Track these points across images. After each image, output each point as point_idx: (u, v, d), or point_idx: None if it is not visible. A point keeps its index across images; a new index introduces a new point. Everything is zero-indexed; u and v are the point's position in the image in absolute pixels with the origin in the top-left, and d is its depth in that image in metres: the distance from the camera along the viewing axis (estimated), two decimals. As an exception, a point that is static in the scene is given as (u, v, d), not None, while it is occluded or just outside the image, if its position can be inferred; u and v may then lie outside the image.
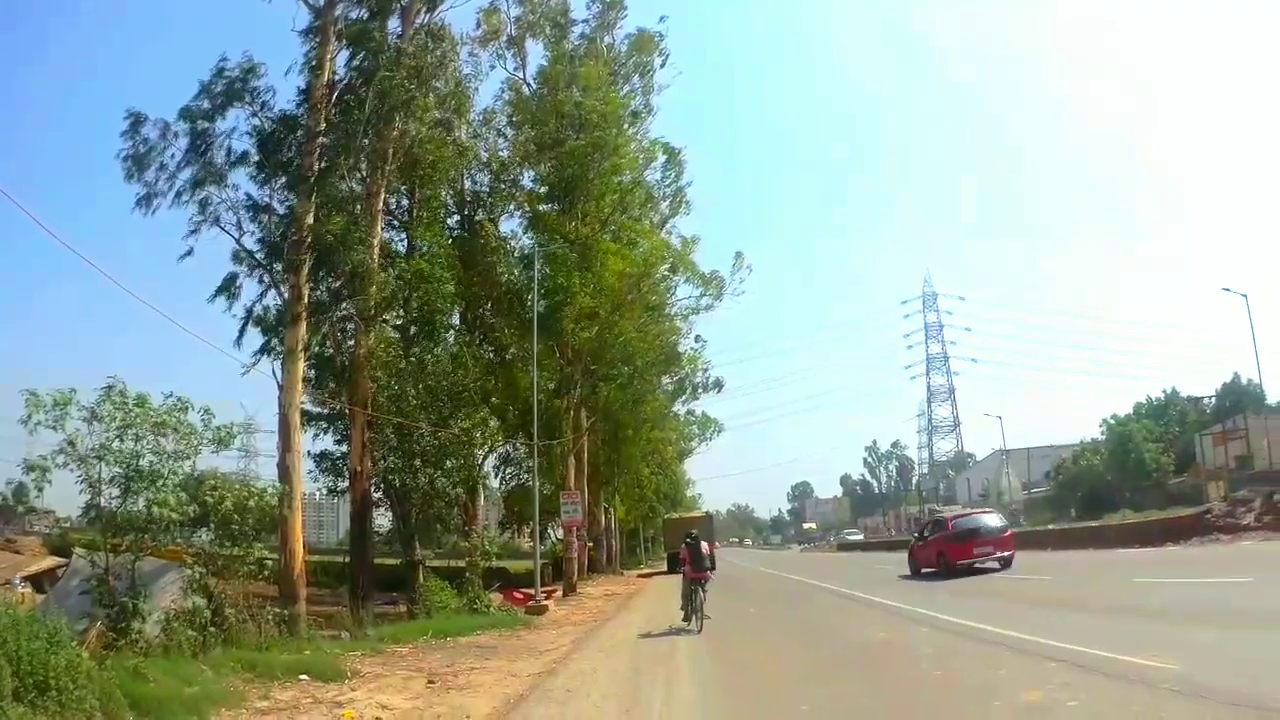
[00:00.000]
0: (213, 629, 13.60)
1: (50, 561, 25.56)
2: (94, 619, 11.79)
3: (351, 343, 26.13)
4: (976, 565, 27.33)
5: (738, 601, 27.08)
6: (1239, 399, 65.19)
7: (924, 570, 29.97)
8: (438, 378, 26.77)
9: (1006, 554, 27.59)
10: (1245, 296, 53.93)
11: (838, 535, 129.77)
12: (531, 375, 33.07)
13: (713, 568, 20.91)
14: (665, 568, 61.03)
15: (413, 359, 26.90)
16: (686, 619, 20.60)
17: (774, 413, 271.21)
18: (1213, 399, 70.94)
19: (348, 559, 28.35)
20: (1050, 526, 50.69)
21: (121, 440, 12.62)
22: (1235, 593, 16.49)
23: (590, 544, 52.47)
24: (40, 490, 12.57)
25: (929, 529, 32.86)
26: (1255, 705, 7.76)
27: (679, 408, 62.97)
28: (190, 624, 12.94)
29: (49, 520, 65.17)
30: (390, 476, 26.09)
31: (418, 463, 25.78)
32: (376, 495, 27.10)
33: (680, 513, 79.23)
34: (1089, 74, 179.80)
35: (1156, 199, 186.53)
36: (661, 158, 44.61)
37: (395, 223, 32.14)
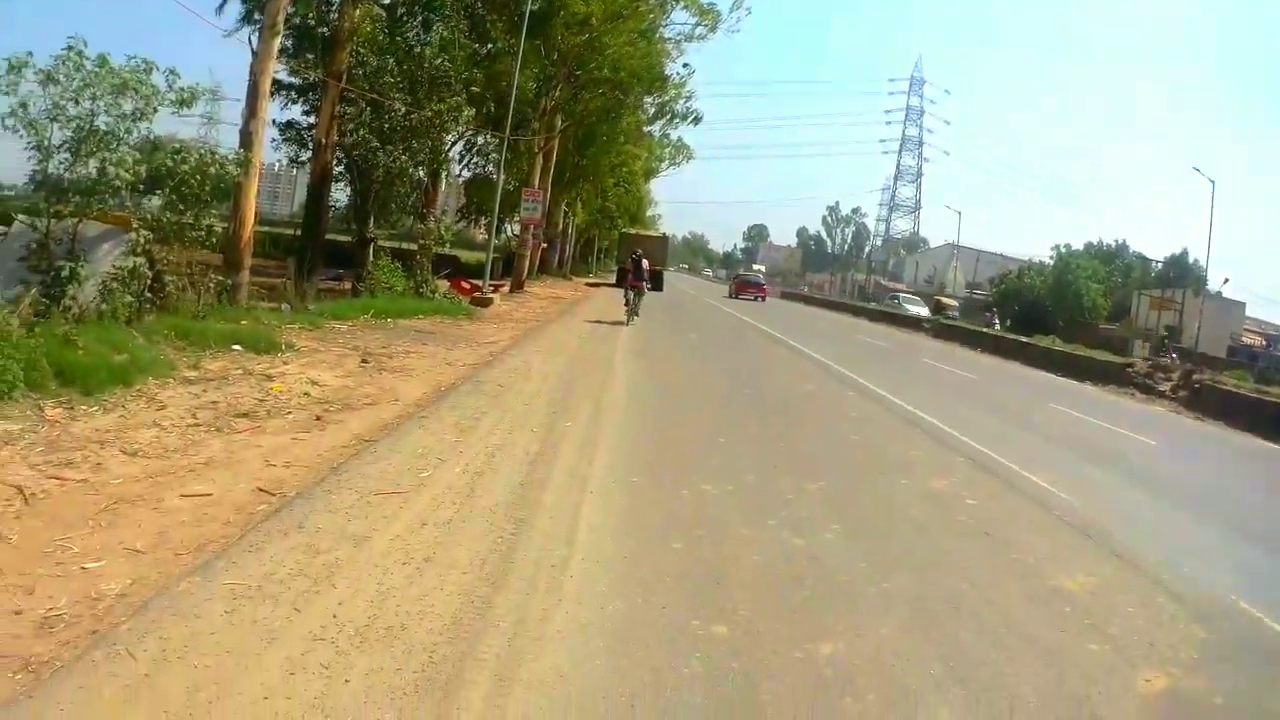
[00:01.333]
0: (150, 295, 13.64)
1: None
2: (30, 285, 11.70)
3: (336, 16, 25.13)
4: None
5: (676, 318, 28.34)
6: (1182, 273, 69.21)
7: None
8: (421, 60, 25.96)
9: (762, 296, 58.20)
10: (1213, 182, 54.51)
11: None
12: (514, 71, 32.28)
13: (657, 288, 25.74)
14: (614, 280, 61.77)
15: (399, 39, 25.95)
16: (626, 319, 27.66)
17: (746, 151, 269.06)
18: (1159, 264, 74.85)
19: (299, 232, 28.18)
20: (985, 329, 51.48)
21: (78, 103, 12.21)
22: (1141, 450, 17.01)
23: (545, 245, 52.73)
24: (-17, 157, 12.18)
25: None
26: (1132, 561, 8.13)
27: (655, 129, 62.17)
28: (127, 288, 12.91)
29: None
30: (356, 151, 25.70)
31: (386, 140, 25.31)
32: (338, 170, 26.72)
33: (638, 229, 79.31)
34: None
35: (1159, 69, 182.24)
36: None
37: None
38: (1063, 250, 71.97)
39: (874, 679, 4.94)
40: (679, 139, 68.21)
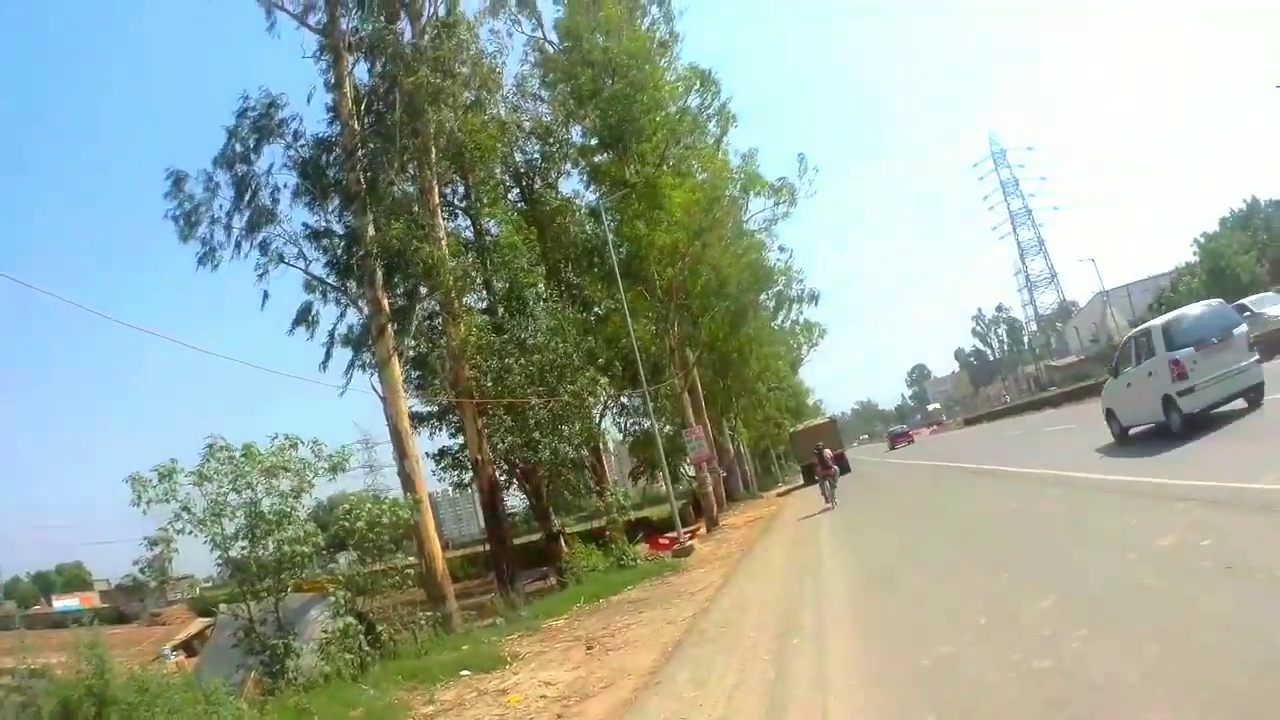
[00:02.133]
0: (368, 648, 13.76)
1: (197, 625, 26.26)
2: (248, 668, 11.95)
3: (444, 339, 26.12)
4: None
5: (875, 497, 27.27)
6: None
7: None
8: (538, 349, 26.57)
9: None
10: None
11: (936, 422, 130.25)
12: (627, 326, 32.84)
13: (845, 470, 26.34)
14: (802, 480, 60.84)
15: (509, 336, 26.71)
16: (827, 501, 29.84)
17: (872, 306, 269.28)
18: None
19: (488, 546, 28.57)
20: None
21: (238, 493, 12.73)
22: None
23: (724, 474, 52.43)
24: (169, 561, 12.73)
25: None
26: None
27: (780, 321, 62.43)
28: (345, 647, 13.08)
29: (187, 585, 67.07)
30: (511, 456, 26.18)
31: (536, 436, 25.71)
32: (503, 477, 27.29)
33: (804, 423, 78.80)
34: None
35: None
36: (696, 84, 43.80)
37: (457, 211, 32.16)
38: (1201, 240, 67.57)
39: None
40: (805, 320, 68.15)
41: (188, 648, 21.92)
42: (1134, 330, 23.62)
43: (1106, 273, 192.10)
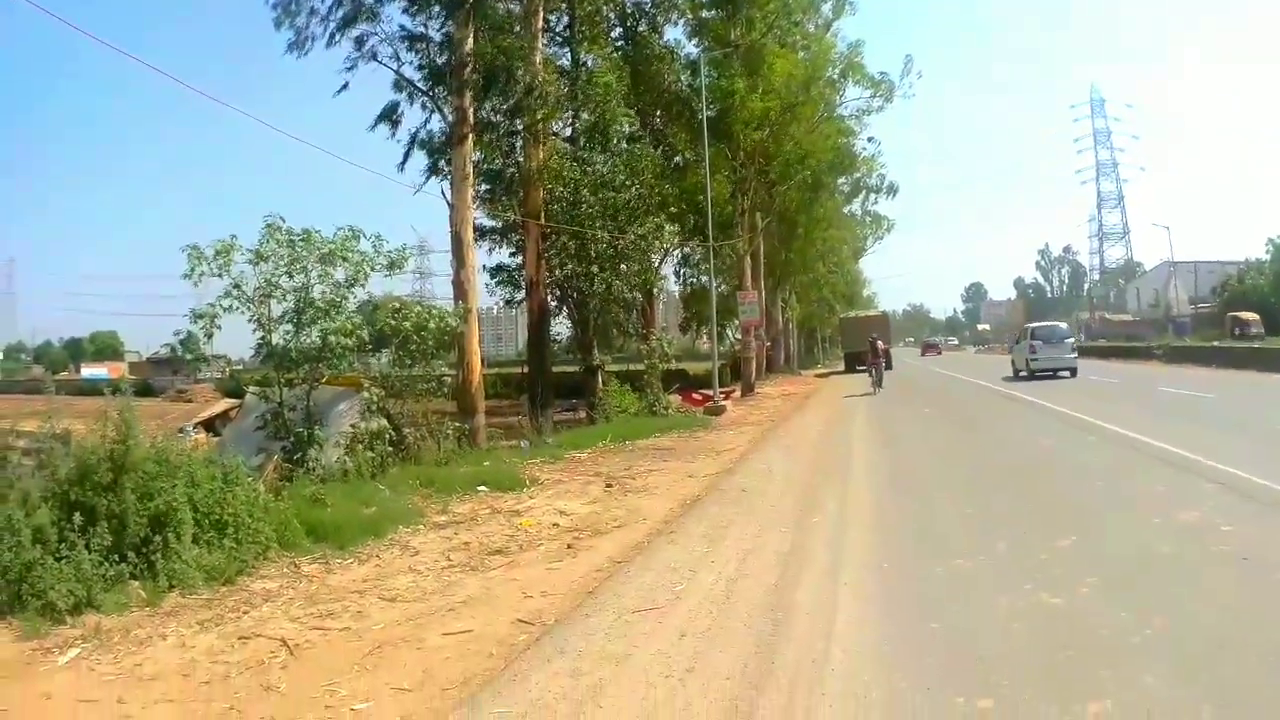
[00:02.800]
0: (391, 449, 13.91)
1: (223, 405, 26.33)
2: (270, 454, 12.19)
3: (522, 157, 25.88)
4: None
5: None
6: None
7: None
8: (613, 187, 26.30)
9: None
10: None
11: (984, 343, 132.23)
12: (705, 180, 32.59)
13: (889, 367, 38.30)
14: (843, 367, 60.71)
15: (588, 168, 26.38)
16: (873, 387, 33.62)
17: (948, 214, 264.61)
18: None
19: (526, 369, 28.72)
20: (1216, 344, 48.03)
21: (291, 277, 12.77)
22: None
23: (768, 344, 52.41)
24: (210, 337, 12.75)
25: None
26: None
27: (856, 207, 61.65)
28: (370, 446, 13.25)
29: (219, 366, 67.99)
30: (567, 284, 26.15)
31: (594, 269, 25.67)
32: (553, 304, 27.28)
33: (857, 312, 78.38)
34: None
35: None
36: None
37: (558, 39, 31.56)
38: (1277, 241, 65.92)
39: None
40: (875, 211, 67.30)
41: (209, 426, 22.13)
42: (1026, 325, 43.57)
43: (1178, 245, 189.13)
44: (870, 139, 51.17)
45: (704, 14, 38.94)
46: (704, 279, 43.71)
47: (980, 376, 40.95)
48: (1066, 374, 34.33)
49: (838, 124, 45.43)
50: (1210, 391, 25.63)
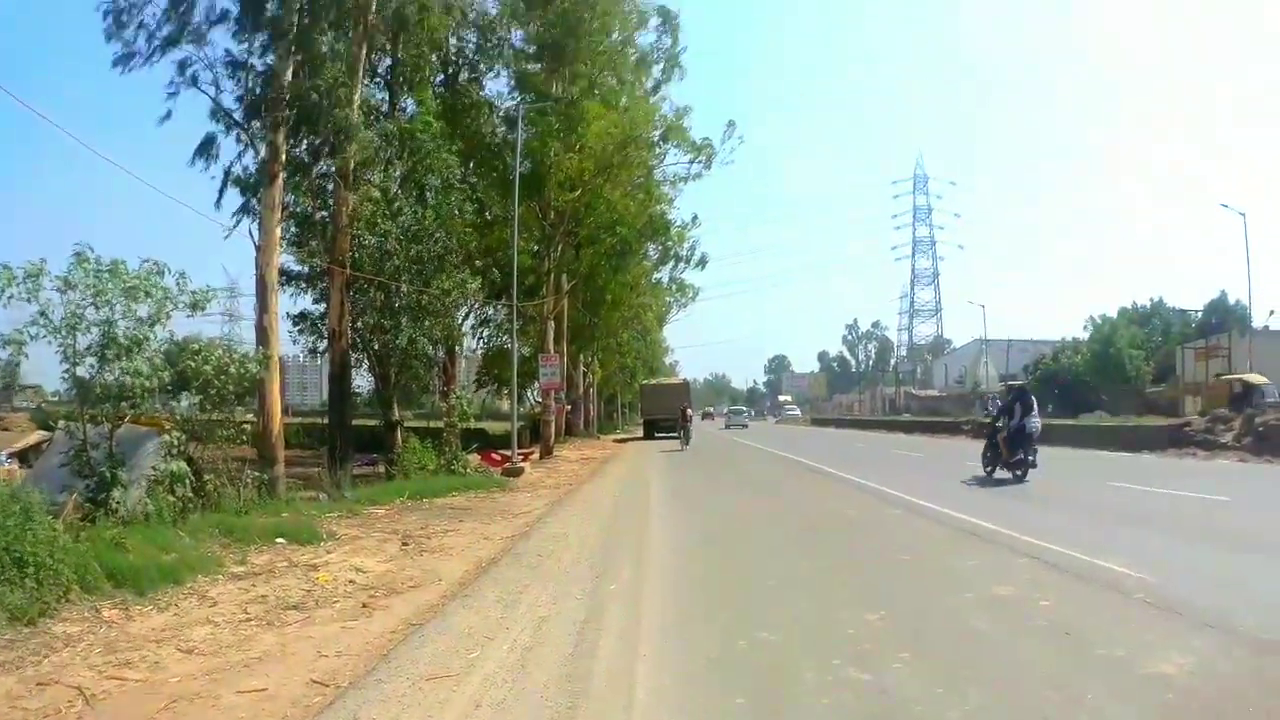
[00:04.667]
0: (192, 495, 13.65)
1: (36, 436, 25.32)
2: (73, 492, 11.85)
3: (333, 201, 25.67)
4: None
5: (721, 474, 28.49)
6: (1224, 317, 65.86)
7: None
8: (422, 238, 26.29)
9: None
10: (1243, 215, 53.73)
11: (780, 411, 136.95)
12: (512, 237, 32.84)
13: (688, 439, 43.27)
14: (641, 434, 61.54)
15: (400, 219, 26.26)
16: (681, 445, 40.90)
17: (755, 284, 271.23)
18: (1198, 314, 71.59)
19: (327, 420, 28.34)
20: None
21: (96, 309, 12.44)
22: (1214, 510, 16.38)
23: (568, 407, 52.85)
24: (17, 365, 12.39)
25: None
26: (1225, 628, 7.63)
27: (664, 274, 62.71)
28: (170, 490, 12.99)
29: (33, 394, 64.75)
30: (370, 336, 25.99)
31: (398, 321, 25.55)
32: (356, 356, 27.01)
33: (658, 379, 79.57)
34: None
35: (1166, 110, 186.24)
36: (656, 20, 43.58)
37: (380, 81, 31.54)
38: (1098, 321, 69.94)
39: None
40: (681, 279, 68.72)
41: (23, 458, 21.24)
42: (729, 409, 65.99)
43: (993, 323, 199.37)
44: (694, 217, 52.54)
45: (528, 66, 39.37)
46: (505, 339, 43.91)
47: (776, 446, 41.88)
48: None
49: (653, 189, 46.42)
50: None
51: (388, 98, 31.26)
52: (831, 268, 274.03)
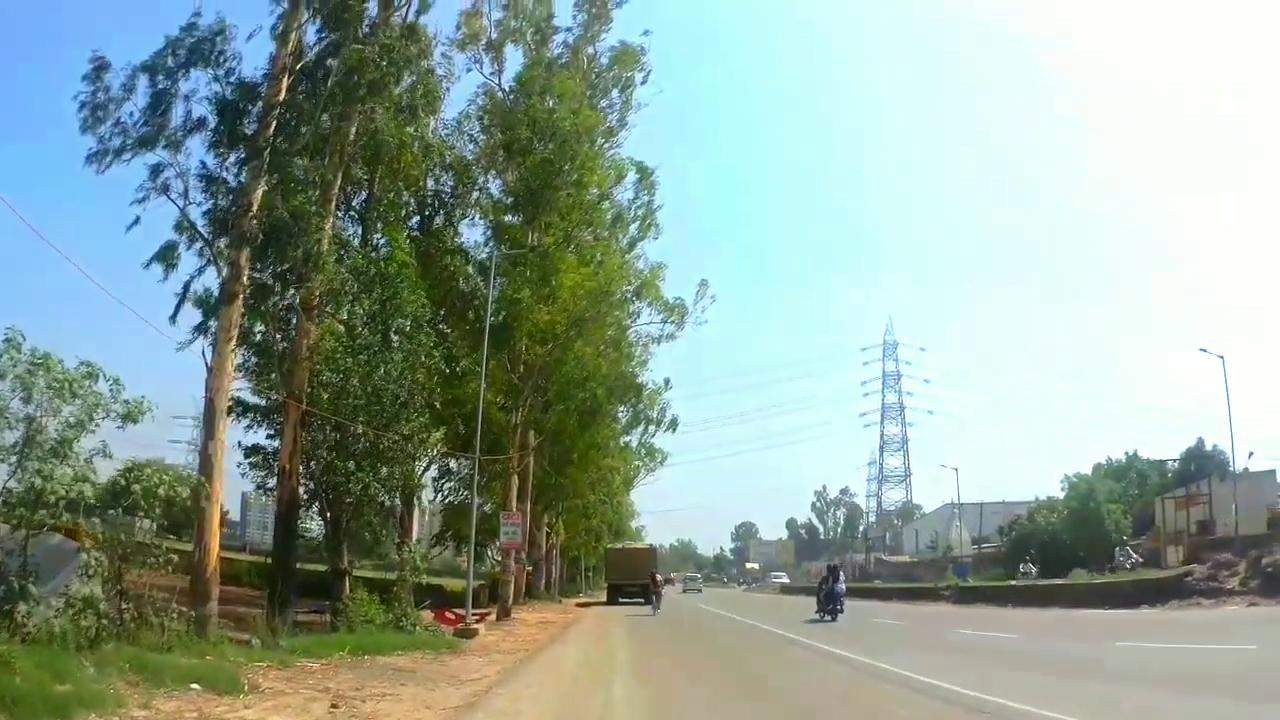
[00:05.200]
0: (106, 621, 12.46)
1: None
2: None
3: (295, 333, 24.87)
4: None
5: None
6: (1202, 464, 64.80)
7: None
8: (385, 379, 25.46)
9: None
10: (1222, 358, 52.18)
11: (754, 580, 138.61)
12: (480, 389, 32.18)
13: (648, 599, 45.63)
14: (605, 598, 60.06)
15: (361, 357, 25.49)
16: (653, 610, 42.80)
17: (724, 450, 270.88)
18: (1174, 463, 70.64)
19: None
20: (1013, 582, 49.60)
21: (23, 402, 11.52)
22: (1241, 661, 15.59)
23: (529, 568, 51.19)
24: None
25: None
26: None
27: (633, 438, 62.06)
28: (81, 613, 11.85)
29: None
30: (323, 477, 24.83)
31: (353, 465, 24.58)
32: (307, 497, 25.78)
33: (623, 543, 78.26)
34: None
35: (1131, 260, 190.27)
36: (633, 176, 44.13)
37: (354, 215, 31.11)
38: (1073, 479, 68.26)
39: None
40: (650, 443, 68.12)
41: None
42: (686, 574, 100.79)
43: (964, 486, 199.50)
44: (667, 381, 52.93)
45: (505, 217, 39.43)
46: (466, 493, 42.72)
47: (747, 614, 40.18)
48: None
49: (625, 348, 46.02)
50: (1013, 632, 25.04)
51: (360, 232, 30.85)
52: (801, 434, 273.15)
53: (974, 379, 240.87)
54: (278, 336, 25.89)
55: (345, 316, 26.80)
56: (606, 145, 42.58)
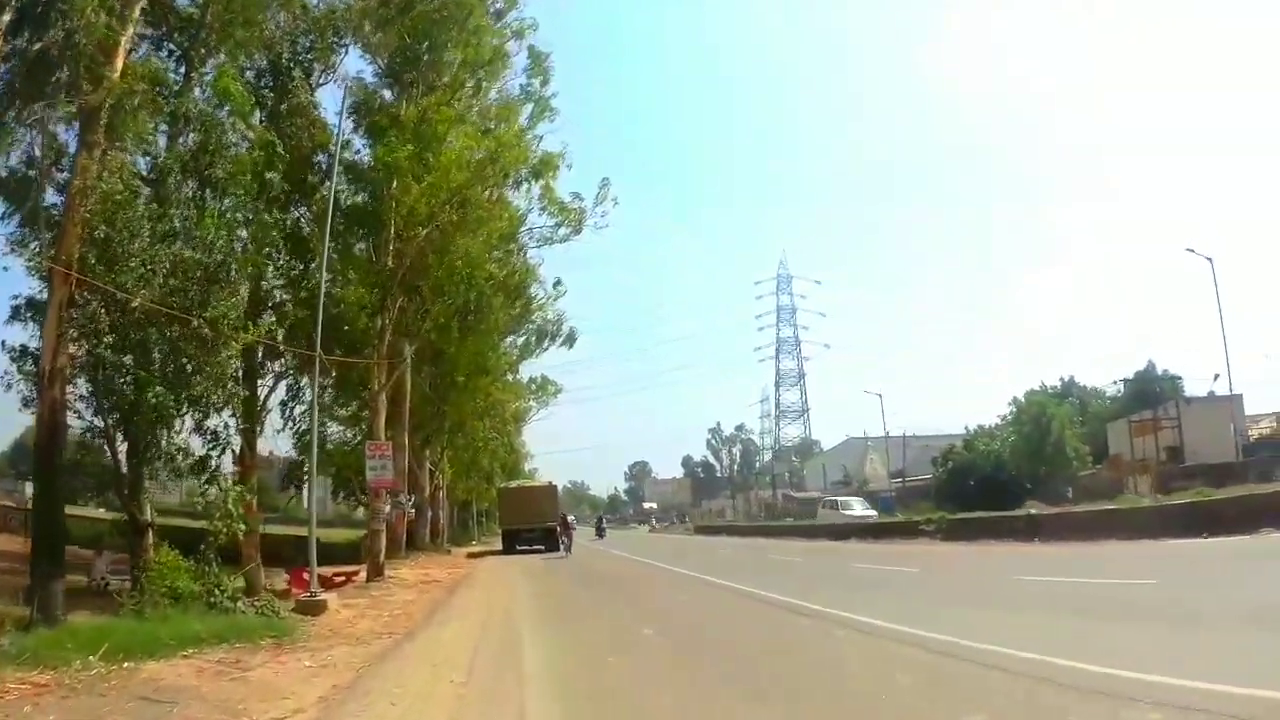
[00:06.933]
0: None
1: None
2: None
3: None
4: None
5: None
6: (1153, 388, 63.19)
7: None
8: (192, 245, 18.26)
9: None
10: (1210, 260, 50.13)
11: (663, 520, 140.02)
12: (323, 250, 24.68)
13: (553, 547, 46.69)
14: (501, 546, 53.62)
15: (162, 210, 18.27)
16: (564, 551, 44.64)
17: (615, 388, 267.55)
18: (1120, 384, 69.00)
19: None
20: (1033, 511, 39.74)
21: None
22: None
23: (412, 513, 43.67)
24: None
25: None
26: None
27: (526, 366, 58.23)
28: None
29: None
30: (101, 384, 17.46)
31: (131, 360, 17.49)
32: (78, 419, 18.10)
33: (519, 481, 71.98)
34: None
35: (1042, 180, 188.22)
36: (524, 60, 37.14)
37: (172, 48, 22.91)
38: (1022, 401, 63.79)
39: None
40: (542, 376, 65.10)
41: None
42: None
43: (862, 420, 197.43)
44: (557, 282, 46.52)
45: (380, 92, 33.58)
46: (324, 420, 35.47)
47: (686, 565, 33.12)
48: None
49: (517, 243, 40.12)
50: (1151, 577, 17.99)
51: (185, 61, 22.50)
52: (695, 370, 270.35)
53: (876, 311, 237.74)
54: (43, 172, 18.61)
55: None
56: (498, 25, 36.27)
